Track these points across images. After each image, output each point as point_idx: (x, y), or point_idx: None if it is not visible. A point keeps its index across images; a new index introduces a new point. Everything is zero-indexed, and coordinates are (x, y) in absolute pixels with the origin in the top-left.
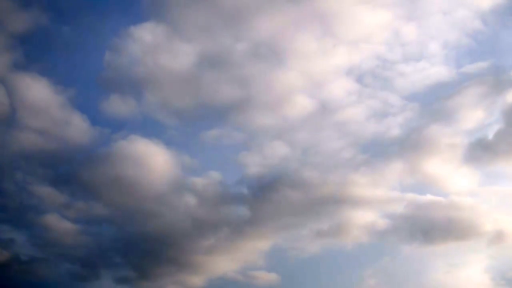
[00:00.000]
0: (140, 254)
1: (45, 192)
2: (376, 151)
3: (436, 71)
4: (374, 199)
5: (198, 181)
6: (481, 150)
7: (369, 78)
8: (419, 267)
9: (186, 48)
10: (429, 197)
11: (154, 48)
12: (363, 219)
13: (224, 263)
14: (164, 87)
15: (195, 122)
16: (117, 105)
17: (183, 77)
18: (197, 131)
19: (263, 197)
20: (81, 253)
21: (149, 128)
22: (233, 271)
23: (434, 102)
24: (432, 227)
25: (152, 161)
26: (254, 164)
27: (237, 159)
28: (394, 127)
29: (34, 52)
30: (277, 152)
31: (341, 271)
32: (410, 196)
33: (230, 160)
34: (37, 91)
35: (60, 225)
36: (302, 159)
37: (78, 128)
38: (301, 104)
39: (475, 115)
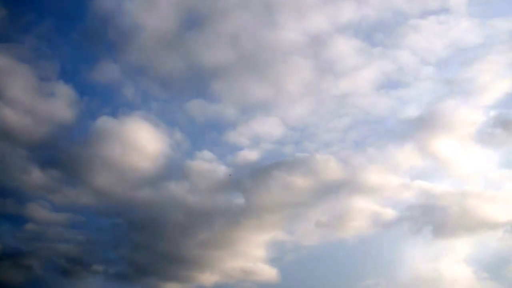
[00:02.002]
0: (133, 247)
1: (31, 176)
2: (386, 130)
3: (459, 27)
4: (381, 186)
5: (191, 164)
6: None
7: (379, 35)
8: (428, 261)
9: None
10: (441, 185)
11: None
12: (368, 208)
13: (225, 258)
14: (148, 49)
15: (183, 91)
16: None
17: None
18: (185, 101)
19: (257, 184)
20: (71, 246)
21: (137, 101)
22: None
23: (454, 69)
24: (443, 218)
25: (142, 140)
26: (245, 145)
27: (228, 138)
28: (406, 102)
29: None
30: (271, 131)
31: (346, 264)
32: (421, 183)
33: (221, 139)
34: None
35: (46, 215)
36: (300, 139)
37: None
38: (299, 68)
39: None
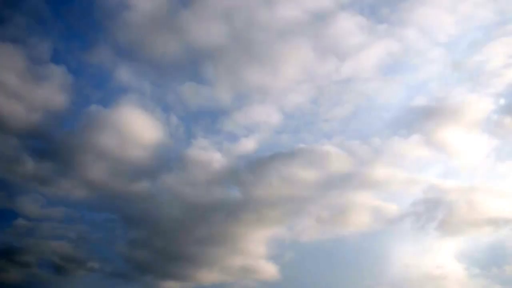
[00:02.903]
0: (130, 244)
1: (21, 168)
2: (391, 119)
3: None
4: (385, 180)
5: (187, 153)
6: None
7: (384, 9)
8: (431, 258)
9: None
10: (447, 179)
11: None
12: (371, 203)
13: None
14: (139, 29)
15: (175, 74)
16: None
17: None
18: (178, 85)
19: (255, 176)
20: (64, 242)
21: (130, 84)
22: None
23: (464, 50)
24: (449, 214)
25: (136, 127)
26: (241, 134)
27: (223, 126)
28: (412, 88)
29: None
30: (268, 119)
31: (348, 262)
32: (426, 177)
33: (216, 127)
34: None
35: (37, 209)
36: (299, 129)
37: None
38: (298, 49)
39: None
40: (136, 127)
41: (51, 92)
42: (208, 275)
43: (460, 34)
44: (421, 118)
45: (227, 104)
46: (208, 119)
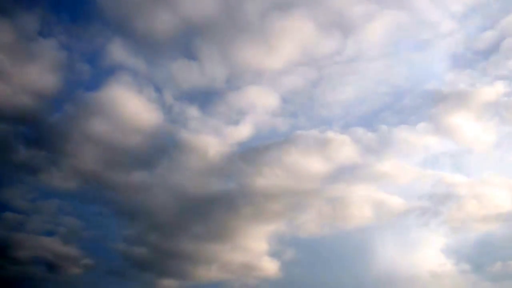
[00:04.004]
0: (126, 240)
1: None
2: (398, 104)
3: None
4: (391, 172)
5: (182, 138)
6: None
7: None
8: (436, 256)
9: None
10: (456, 172)
11: None
12: (376, 197)
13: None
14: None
15: (167, 51)
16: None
17: None
18: (168, 62)
19: (252, 166)
20: (57, 238)
21: (123, 62)
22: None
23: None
24: (457, 209)
25: (130, 109)
26: (236, 119)
27: (217, 109)
28: (422, 68)
29: None
30: (265, 103)
31: (351, 258)
32: (434, 169)
33: (210, 110)
34: None
35: (27, 202)
36: (298, 114)
37: None
38: (297, 23)
39: None
40: (130, 110)
41: (41, 71)
42: (207, 273)
43: (476, 5)
44: (430, 104)
45: (221, 85)
46: (201, 101)
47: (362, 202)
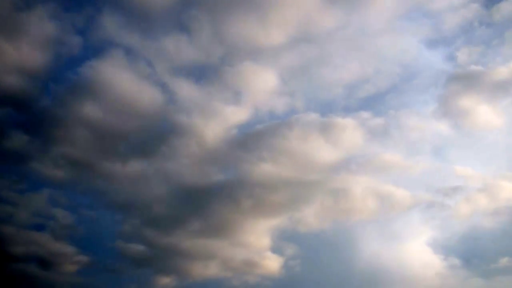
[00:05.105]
0: (122, 235)
1: None
2: (406, 86)
3: None
4: (398, 162)
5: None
6: None
7: None
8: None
9: None
10: (467, 164)
11: None
12: (382, 188)
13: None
14: None
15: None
16: None
17: None
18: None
19: (251, 153)
20: (48, 233)
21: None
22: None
23: None
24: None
25: (124, 89)
26: (232, 100)
27: (212, 89)
28: (432, 44)
29: None
30: (262, 84)
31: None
32: (444, 161)
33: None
34: None
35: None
36: (298, 96)
37: None
38: None
39: None
40: (123, 89)
41: (28, 47)
42: (206, 270)
43: None
44: (441, 85)
45: (216, 61)
46: (197, 78)
47: (367, 194)
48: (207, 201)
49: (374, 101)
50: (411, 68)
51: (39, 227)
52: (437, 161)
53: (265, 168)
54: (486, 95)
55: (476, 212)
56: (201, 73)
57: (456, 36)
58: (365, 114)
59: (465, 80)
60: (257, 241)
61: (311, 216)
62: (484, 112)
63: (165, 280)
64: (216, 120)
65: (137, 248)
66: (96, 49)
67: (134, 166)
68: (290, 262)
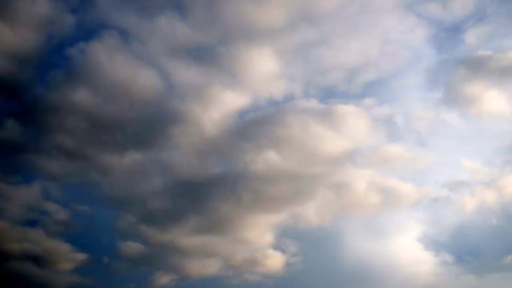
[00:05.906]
0: (119, 231)
1: None
2: (413, 70)
3: None
4: (404, 155)
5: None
6: None
7: None
8: None
9: None
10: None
11: None
12: (387, 182)
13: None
14: None
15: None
16: None
17: None
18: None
19: (251, 143)
20: (42, 230)
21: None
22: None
23: None
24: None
25: (120, 72)
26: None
27: (210, 74)
28: (440, 25)
29: None
30: (262, 68)
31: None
32: (451, 155)
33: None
34: None
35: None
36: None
37: None
38: None
39: None
40: (119, 74)
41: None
42: (205, 268)
43: None
44: (450, 70)
45: (213, 43)
46: (194, 60)
47: (371, 188)
48: (206, 195)
49: (378, 86)
50: (418, 50)
51: (32, 223)
52: (443, 153)
53: (265, 159)
54: (495, 81)
55: (481, 208)
56: (198, 55)
57: (465, 18)
58: (368, 101)
59: (474, 65)
60: (259, 238)
61: (313, 212)
62: (492, 98)
63: (164, 278)
64: (214, 106)
65: (135, 245)
66: (89, 31)
67: (131, 158)
68: (292, 259)
